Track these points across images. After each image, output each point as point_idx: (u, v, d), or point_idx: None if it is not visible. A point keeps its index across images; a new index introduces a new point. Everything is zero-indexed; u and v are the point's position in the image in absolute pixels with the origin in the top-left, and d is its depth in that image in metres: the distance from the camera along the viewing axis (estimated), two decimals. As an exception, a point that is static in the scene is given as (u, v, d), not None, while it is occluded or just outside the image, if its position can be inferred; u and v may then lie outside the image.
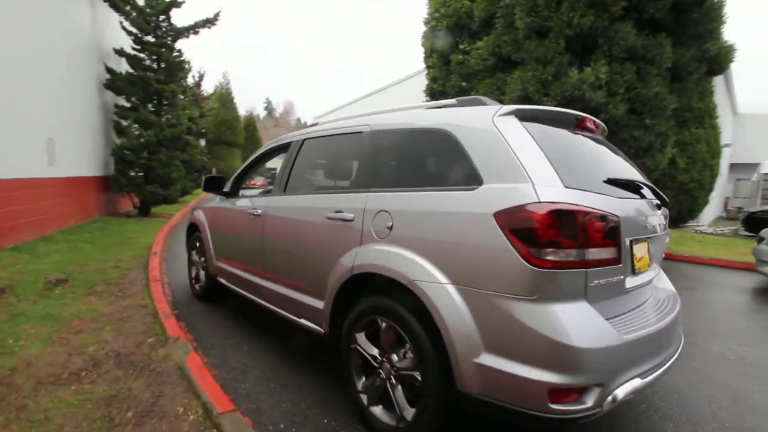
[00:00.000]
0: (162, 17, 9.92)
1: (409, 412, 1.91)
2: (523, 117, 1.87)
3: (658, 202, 2.15)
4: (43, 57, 6.69)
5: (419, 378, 1.85)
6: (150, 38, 9.81)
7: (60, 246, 6.02)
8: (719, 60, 8.66)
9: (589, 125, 2.22)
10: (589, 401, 1.53)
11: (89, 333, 3.13)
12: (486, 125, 1.83)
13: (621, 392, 1.57)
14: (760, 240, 5.72)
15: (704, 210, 11.36)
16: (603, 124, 2.36)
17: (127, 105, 9.78)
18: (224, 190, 3.75)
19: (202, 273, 4.16)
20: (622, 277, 1.77)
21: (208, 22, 10.21)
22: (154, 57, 9.89)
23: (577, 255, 1.57)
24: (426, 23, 9.64)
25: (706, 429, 2.29)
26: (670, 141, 7.82)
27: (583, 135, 2.16)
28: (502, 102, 2.08)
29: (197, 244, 4.24)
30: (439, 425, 1.83)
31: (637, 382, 1.64)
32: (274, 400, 2.40)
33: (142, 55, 9.80)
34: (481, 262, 1.67)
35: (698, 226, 13.40)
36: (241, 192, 3.75)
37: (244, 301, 3.47)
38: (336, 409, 2.32)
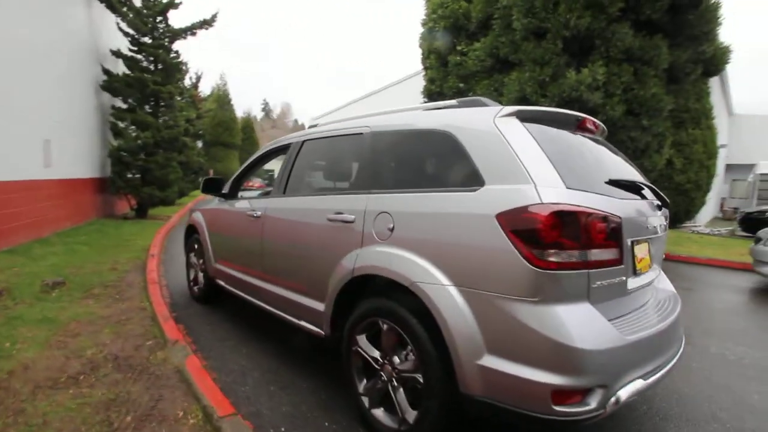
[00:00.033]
0: (159, 18, 9.89)
1: (411, 415, 1.90)
2: (524, 118, 1.86)
3: (659, 203, 2.16)
4: (39, 58, 6.65)
5: (421, 380, 1.84)
6: (147, 39, 9.78)
7: (56, 248, 5.98)
8: (715, 61, 8.72)
9: (590, 126, 2.22)
10: (593, 403, 1.52)
11: (87, 336, 3.11)
12: (487, 126, 1.83)
13: (624, 393, 1.57)
14: (758, 240, 5.74)
15: (701, 210, 11.41)
16: (603, 125, 2.36)
17: (124, 106, 9.74)
18: (223, 191, 3.73)
19: (200, 275, 4.14)
20: (624, 278, 1.76)
21: (206, 24, 10.18)
22: (151, 58, 9.86)
23: (579, 256, 1.57)
24: (423, 24, 9.66)
25: (707, 430, 2.29)
26: (667, 142, 7.86)
27: (583, 136, 2.16)
28: (500, 103, 2.08)
29: (195, 246, 4.22)
30: (442, 427, 1.82)
31: (639, 384, 1.64)
32: (274, 403, 2.39)
33: (139, 56, 9.77)
34: (483, 263, 1.66)
35: (695, 226, 13.46)
36: (240, 194, 3.73)
37: (242, 304, 3.45)
38: (337, 412, 2.31)
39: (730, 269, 7.23)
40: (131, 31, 9.54)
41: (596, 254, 1.61)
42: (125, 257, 5.79)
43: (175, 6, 9.94)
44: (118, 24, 9.37)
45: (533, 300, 1.54)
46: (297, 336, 3.11)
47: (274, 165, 3.98)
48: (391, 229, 2.01)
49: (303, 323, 2.60)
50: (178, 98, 11.55)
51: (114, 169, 9.31)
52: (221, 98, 27.56)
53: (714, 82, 11.78)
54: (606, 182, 1.85)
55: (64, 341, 2.99)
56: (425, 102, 9.49)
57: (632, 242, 1.85)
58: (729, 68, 10.50)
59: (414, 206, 1.97)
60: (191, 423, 2.10)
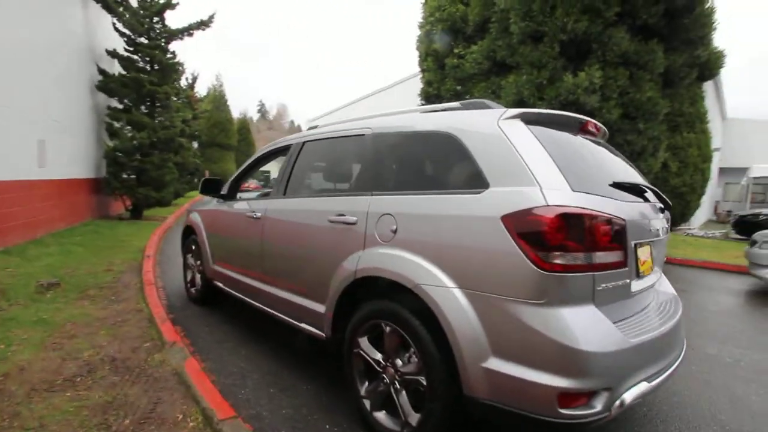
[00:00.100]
0: (156, 19, 9.85)
1: (414, 418, 1.89)
2: (528, 120, 1.86)
3: (662, 206, 2.16)
4: (34, 57, 6.59)
5: (424, 382, 1.83)
6: (143, 40, 9.73)
7: (51, 249, 5.92)
8: (710, 66, 8.82)
9: (592, 129, 2.22)
10: (598, 405, 1.52)
11: (83, 338, 3.07)
12: (492, 129, 1.83)
13: (629, 396, 1.57)
14: (753, 243, 5.79)
15: (695, 213, 11.49)
16: (604, 128, 2.37)
17: (120, 107, 9.68)
18: (221, 192, 3.71)
19: (198, 276, 4.11)
20: (628, 280, 1.77)
21: (203, 24, 10.15)
22: (148, 59, 9.81)
23: (584, 258, 1.57)
24: (421, 27, 9.69)
25: (708, 432, 2.30)
26: (663, 145, 7.91)
27: (585, 138, 2.16)
28: (498, 106, 2.11)
29: (193, 247, 4.19)
30: (445, 430, 1.82)
31: (644, 386, 1.64)
32: (275, 406, 2.37)
33: (135, 56, 9.72)
34: (488, 265, 1.66)
35: (690, 229, 13.57)
36: (239, 195, 3.71)
37: (240, 305, 3.43)
38: (338, 415, 2.30)
39: (724, 272, 7.28)
40: (127, 32, 9.48)
41: (601, 257, 1.61)
42: (121, 258, 5.74)
43: (172, 6, 9.91)
44: (114, 24, 9.31)
45: (539, 302, 1.54)
46: (296, 338, 3.09)
47: (270, 166, 3.97)
48: (394, 231, 2.00)
49: (303, 325, 2.58)
50: (175, 99, 11.50)
51: (109, 170, 9.23)
52: (217, 99, 27.45)
53: (708, 87, 11.90)
54: (610, 185, 1.86)
55: (59, 343, 2.96)
56: (423, 104, 9.51)
57: (635, 245, 1.85)
58: (723, 72, 10.61)
59: (417, 208, 1.96)
60: (191, 426, 2.07)
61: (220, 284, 3.66)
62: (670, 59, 7.46)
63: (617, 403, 1.55)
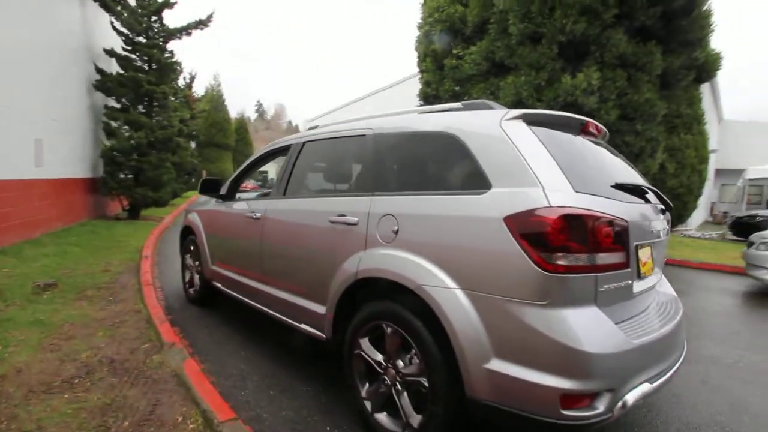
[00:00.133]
0: (154, 18, 9.81)
1: (416, 419, 1.88)
2: (530, 121, 1.86)
3: (663, 207, 2.17)
4: (31, 55, 6.56)
5: (426, 384, 1.83)
6: (141, 39, 9.69)
7: (48, 249, 5.88)
8: (707, 68, 8.86)
9: (592, 130, 2.22)
10: (601, 407, 1.52)
11: (81, 339, 3.05)
12: (494, 129, 1.83)
13: (631, 397, 1.57)
14: (750, 244, 5.82)
15: (692, 215, 11.55)
16: (605, 129, 2.37)
17: (118, 106, 9.63)
18: (221, 193, 3.69)
19: (196, 277, 4.09)
20: (630, 281, 1.77)
21: (201, 24, 10.12)
22: (146, 58, 9.77)
23: (587, 259, 1.56)
24: (420, 28, 9.69)
25: (708, 433, 2.30)
26: (661, 146, 7.94)
27: (587, 139, 2.16)
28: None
29: (191, 247, 4.17)
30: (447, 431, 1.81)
31: (646, 387, 1.64)
32: (275, 407, 2.36)
33: (133, 55, 9.68)
34: (491, 266, 1.66)
35: (687, 230, 13.63)
36: (238, 195, 3.69)
37: (238, 306, 3.41)
38: (338, 416, 2.29)
39: (722, 272, 7.31)
40: (125, 31, 9.44)
41: (604, 257, 1.61)
42: (118, 259, 5.71)
43: (170, 6, 9.87)
44: (112, 23, 9.27)
45: (541, 303, 1.54)
46: (295, 338, 3.08)
47: (268, 167, 3.96)
48: (396, 232, 1.99)
49: (303, 326, 2.57)
50: (172, 98, 11.46)
51: (106, 170, 9.19)
52: (215, 99, 27.40)
53: (705, 89, 11.96)
54: (612, 186, 1.86)
55: (57, 344, 2.93)
56: (421, 104, 9.51)
57: (636, 246, 1.85)
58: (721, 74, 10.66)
59: (419, 209, 1.95)
60: (191, 428, 2.06)
61: (219, 285, 3.65)
62: (667, 61, 7.48)
63: (620, 404, 1.55)
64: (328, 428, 2.18)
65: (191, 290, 4.21)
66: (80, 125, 8.67)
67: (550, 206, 1.55)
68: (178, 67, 10.71)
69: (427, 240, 1.87)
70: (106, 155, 9.10)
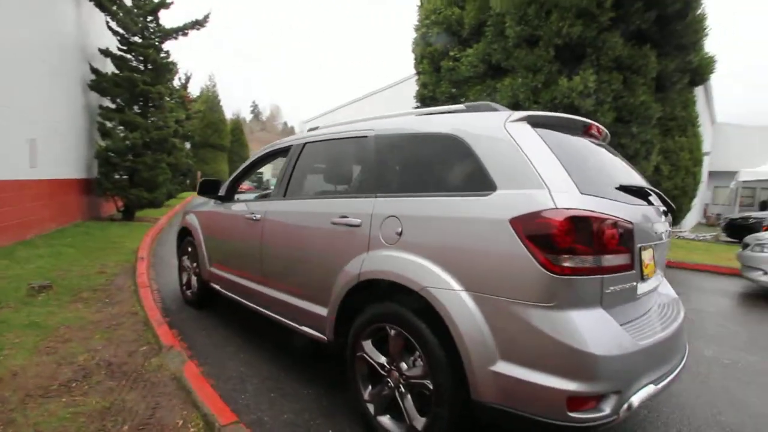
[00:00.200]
0: (150, 18, 9.75)
1: (420, 422, 1.87)
2: (534, 123, 1.86)
3: (665, 209, 2.18)
4: (25, 54, 6.49)
5: (430, 386, 1.81)
6: (137, 39, 9.62)
7: (41, 251, 5.81)
8: (701, 71, 8.95)
9: (594, 132, 2.24)
10: (607, 409, 1.52)
11: (78, 342, 3.01)
12: (498, 131, 1.82)
13: (636, 399, 1.57)
14: (745, 246, 5.87)
15: (686, 216, 11.64)
16: (606, 131, 2.38)
17: (113, 106, 9.55)
18: (219, 194, 3.66)
19: (194, 279, 4.06)
20: (634, 283, 1.77)
21: (198, 24, 10.07)
22: (141, 58, 9.70)
23: (593, 261, 1.56)
24: (416, 30, 9.70)
25: (709, 434, 2.31)
26: (656, 149, 8.01)
27: (589, 141, 2.17)
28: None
29: (189, 249, 4.13)
30: (451, 435, 1.80)
31: (651, 389, 1.64)
32: (276, 411, 2.34)
33: (128, 55, 9.60)
34: (496, 268, 1.65)
35: (681, 232, 13.74)
36: (236, 196, 3.67)
37: (237, 308, 3.39)
38: (341, 419, 2.27)
39: (717, 274, 7.37)
40: (121, 30, 9.37)
41: (610, 259, 1.61)
42: (113, 260, 5.65)
43: (166, 6, 9.81)
44: (107, 23, 9.20)
45: (548, 305, 1.53)
46: (295, 340, 3.06)
47: (264, 168, 3.94)
48: (400, 233, 1.98)
49: (305, 328, 2.55)
50: (168, 99, 11.38)
51: (101, 170, 9.10)
52: (210, 99, 27.29)
53: (698, 92, 12.07)
54: (616, 188, 1.86)
55: (53, 347, 2.89)
56: (418, 106, 9.52)
57: (639, 248, 1.85)
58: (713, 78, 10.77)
59: (423, 210, 1.95)
60: (191, 432, 2.03)
61: (217, 287, 3.62)
62: (662, 64, 7.55)
63: (625, 406, 1.55)
64: (330, 431, 2.16)
65: (188, 292, 4.18)
66: (75, 125, 8.59)
67: (557, 208, 1.54)
68: (174, 68, 10.64)
69: (432, 242, 1.86)
70: (100, 156, 9.02)
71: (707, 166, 17.80)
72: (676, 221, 10.81)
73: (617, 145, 7.25)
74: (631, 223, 1.71)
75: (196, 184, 3.77)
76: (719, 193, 21.79)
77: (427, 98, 9.42)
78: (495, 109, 2.08)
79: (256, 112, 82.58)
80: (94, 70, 9.00)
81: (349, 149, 2.63)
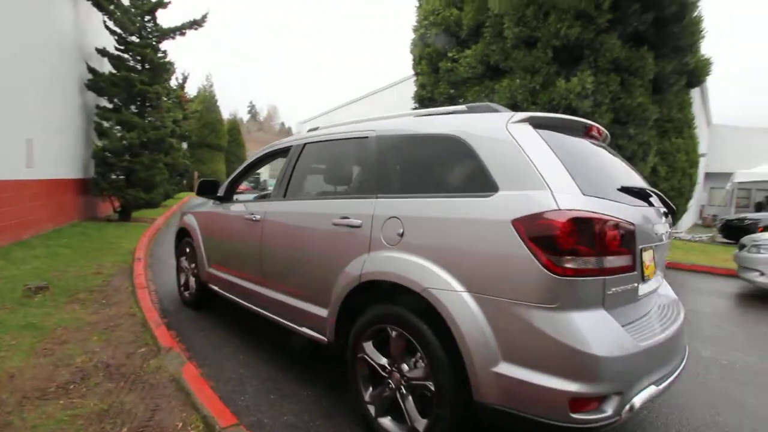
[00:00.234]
0: (147, 17, 9.72)
1: (421, 423, 1.86)
2: (536, 124, 1.86)
3: (665, 210, 2.18)
4: (21, 53, 6.44)
5: (432, 388, 1.81)
6: (134, 38, 9.59)
7: (38, 251, 5.77)
8: (697, 73, 8.99)
9: (595, 133, 2.24)
10: (609, 410, 1.52)
11: (75, 343, 2.99)
12: (500, 132, 1.82)
13: (638, 400, 1.57)
14: (742, 247, 5.90)
15: (683, 217, 11.69)
16: (606, 132, 2.39)
17: (110, 106, 9.51)
18: (218, 194, 3.65)
19: (192, 280, 4.04)
20: (636, 284, 1.77)
21: (195, 24, 10.05)
22: (138, 58, 9.67)
23: (596, 262, 1.56)
24: (415, 31, 9.71)
25: (708, 434, 2.32)
26: (652, 150, 8.04)
27: (590, 143, 2.17)
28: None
29: (187, 249, 4.11)
30: (453, 436, 1.79)
31: (652, 390, 1.64)
32: (276, 413, 2.33)
33: (125, 55, 9.57)
34: (498, 269, 1.65)
35: (677, 233, 13.80)
36: (236, 197, 3.65)
37: (235, 308, 3.37)
38: (341, 421, 2.26)
39: (714, 275, 7.40)
40: (118, 30, 9.34)
41: (612, 261, 1.61)
42: (110, 261, 5.62)
43: (164, 5, 9.79)
44: (104, 22, 9.16)
45: (550, 306, 1.53)
46: (294, 342, 3.05)
47: (262, 168, 3.92)
48: (401, 234, 1.98)
49: (305, 330, 2.54)
50: (165, 99, 11.34)
51: (98, 170, 9.06)
52: (207, 99, 27.23)
53: (695, 93, 12.14)
54: (618, 189, 1.86)
55: (50, 348, 2.87)
56: (416, 107, 9.52)
57: (641, 249, 1.86)
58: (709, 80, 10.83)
59: (425, 211, 1.94)
60: (191, 434, 2.02)
61: (216, 287, 3.60)
62: (659, 66, 7.59)
63: (627, 407, 1.55)
64: (330, 433, 2.16)
65: (186, 293, 4.16)
66: (71, 125, 8.54)
67: (559, 209, 1.54)
68: (171, 67, 10.61)
69: (434, 242, 1.86)
70: (97, 156, 8.97)
71: (703, 167, 17.93)
72: (673, 222, 10.86)
73: (614, 147, 7.28)
74: (632, 224, 1.71)
75: (193, 185, 3.74)
76: (715, 195, 21.93)
77: (425, 99, 9.43)
78: (496, 110, 2.08)
79: (253, 112, 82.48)
80: (92, 70, 8.96)
81: (349, 150, 2.62)
